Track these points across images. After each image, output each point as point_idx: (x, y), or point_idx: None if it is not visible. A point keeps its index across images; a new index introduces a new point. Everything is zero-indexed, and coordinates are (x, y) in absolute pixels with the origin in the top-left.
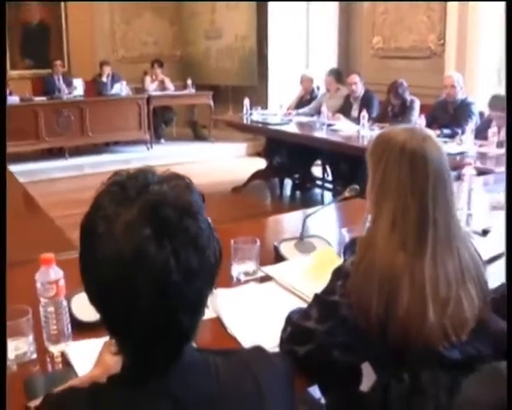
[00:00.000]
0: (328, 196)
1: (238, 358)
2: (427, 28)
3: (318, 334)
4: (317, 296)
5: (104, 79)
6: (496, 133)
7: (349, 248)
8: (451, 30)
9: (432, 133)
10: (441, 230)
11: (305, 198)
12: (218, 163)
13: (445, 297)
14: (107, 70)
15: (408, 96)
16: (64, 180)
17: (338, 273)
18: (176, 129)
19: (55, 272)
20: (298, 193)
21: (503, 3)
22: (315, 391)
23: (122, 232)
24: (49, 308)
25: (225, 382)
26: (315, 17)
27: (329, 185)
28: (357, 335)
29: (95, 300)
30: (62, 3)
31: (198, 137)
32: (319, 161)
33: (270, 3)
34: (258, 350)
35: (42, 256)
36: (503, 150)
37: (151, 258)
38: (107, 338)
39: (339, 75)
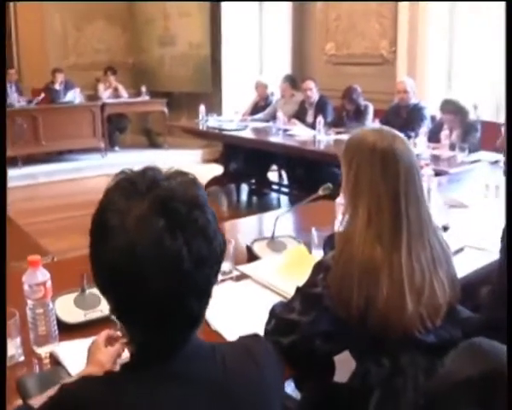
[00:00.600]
0: (284, 200)
1: (241, 345)
2: (379, 35)
3: (302, 325)
4: (299, 290)
5: (57, 86)
6: (448, 136)
7: (328, 243)
8: (402, 37)
9: (400, 134)
10: (414, 223)
11: (261, 203)
12: None
13: (420, 286)
14: (60, 77)
15: (362, 102)
16: (17, 189)
17: (319, 267)
18: (130, 136)
19: (43, 274)
20: (254, 198)
21: (449, 12)
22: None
23: (135, 225)
24: (37, 310)
25: (231, 368)
26: (268, 24)
27: (286, 190)
28: (338, 324)
29: (107, 290)
30: (12, 9)
31: (152, 144)
32: (275, 166)
33: (223, 9)
34: (257, 338)
35: (29, 259)
36: (455, 152)
37: (166, 248)
38: (94, 337)
39: (293, 81)
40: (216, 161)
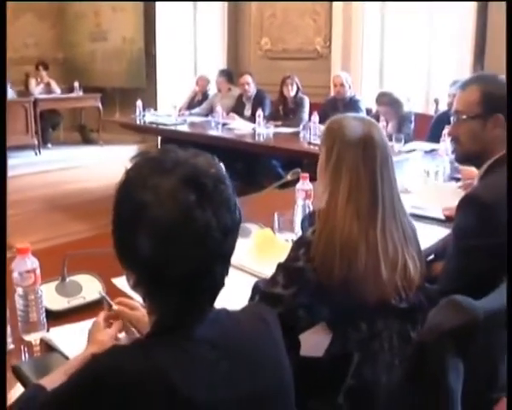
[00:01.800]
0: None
1: (249, 310)
2: (314, 31)
3: (285, 298)
4: (281, 265)
5: None
6: (385, 127)
7: (307, 219)
8: (337, 33)
9: (375, 121)
10: (388, 204)
11: None
12: (108, 166)
13: (394, 259)
14: None
15: (299, 93)
16: None
17: (300, 243)
18: (63, 133)
19: (32, 262)
20: None
21: (381, 8)
22: None
23: (169, 199)
24: (29, 296)
25: (247, 329)
26: (203, 18)
27: (290, 178)
28: (319, 296)
29: (137, 263)
30: None
31: (86, 140)
32: None
33: (157, 5)
34: (260, 304)
35: (18, 246)
36: (391, 143)
37: (197, 220)
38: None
39: (230, 76)
40: None
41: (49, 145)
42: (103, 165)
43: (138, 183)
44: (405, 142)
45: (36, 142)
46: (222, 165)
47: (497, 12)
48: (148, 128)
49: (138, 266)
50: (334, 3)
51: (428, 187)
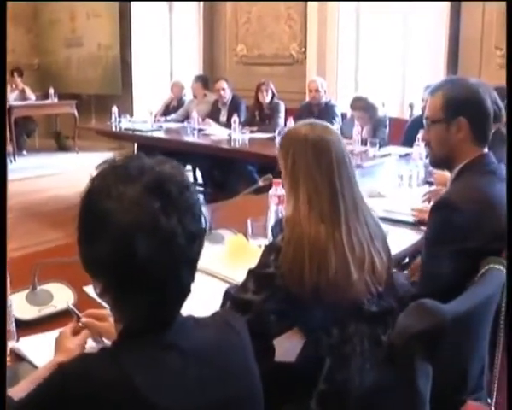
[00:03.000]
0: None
1: (218, 317)
2: (289, 37)
3: (256, 304)
4: (251, 271)
5: None
6: (359, 132)
7: (276, 226)
8: (312, 39)
9: (328, 124)
10: (349, 203)
11: None
12: (84, 173)
13: (361, 256)
14: None
15: (275, 98)
16: None
17: (270, 249)
18: (38, 140)
19: None
20: None
21: (355, 14)
22: None
23: (133, 207)
24: None
25: (216, 336)
26: (178, 26)
27: (201, 189)
28: (290, 302)
29: (104, 272)
30: None
31: (62, 147)
32: (190, 166)
33: (132, 12)
34: (230, 311)
35: None
36: (366, 147)
37: (162, 227)
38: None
39: (205, 81)
40: None
41: (25, 152)
42: (79, 172)
43: (103, 191)
44: (380, 146)
45: (10, 149)
46: (199, 172)
47: (470, 13)
48: (123, 135)
49: (104, 274)
50: (309, 9)
51: (401, 191)
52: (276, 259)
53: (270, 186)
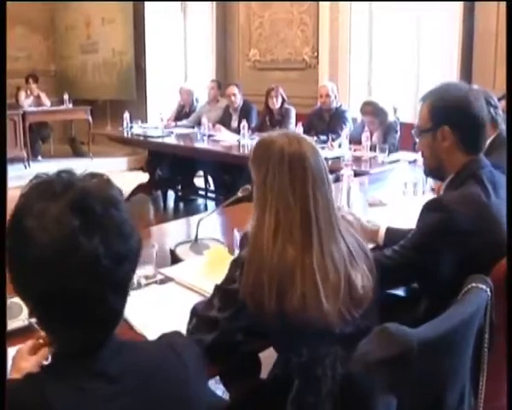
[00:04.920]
0: (211, 205)
1: (163, 340)
2: (302, 42)
3: (221, 321)
4: (217, 287)
5: None
6: (368, 137)
7: (243, 241)
8: (324, 43)
9: (304, 135)
10: (323, 223)
11: (188, 209)
12: None
13: (336, 283)
14: None
15: (285, 104)
16: None
17: (236, 264)
18: (53, 146)
19: None
20: (181, 204)
21: (368, 19)
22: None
23: (52, 225)
24: None
25: (155, 360)
26: (192, 32)
27: (212, 195)
28: (256, 319)
29: (28, 292)
30: None
31: (76, 153)
32: (201, 172)
33: (146, 17)
34: (178, 333)
35: None
36: (375, 153)
37: (82, 247)
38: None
39: (220, 86)
40: (142, 168)
41: (40, 158)
42: None
43: (26, 208)
44: (390, 152)
45: (25, 155)
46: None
47: (484, 12)
48: (134, 140)
49: (29, 295)
50: (321, 12)
51: (405, 199)
52: (242, 274)
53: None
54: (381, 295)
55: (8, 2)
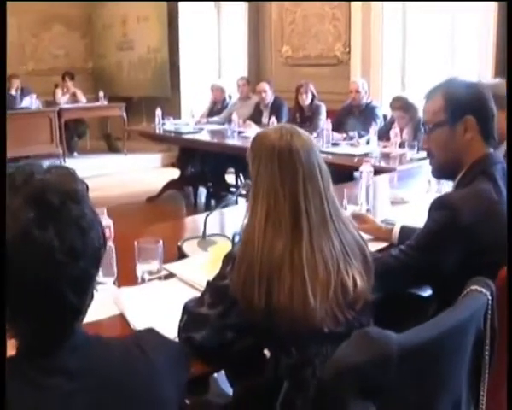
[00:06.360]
0: (241, 202)
1: (130, 338)
2: (334, 37)
3: (211, 318)
4: (208, 283)
5: (13, 92)
6: (397, 134)
7: (239, 234)
8: (356, 39)
9: (300, 129)
10: (314, 218)
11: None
12: (132, 175)
13: (325, 280)
14: (16, 83)
15: (315, 100)
16: None
17: (227, 259)
18: (89, 142)
19: None
20: (213, 201)
21: (401, 13)
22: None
23: (9, 217)
24: None
25: (119, 358)
26: (225, 28)
27: (243, 191)
28: (246, 318)
29: None
30: None
31: (112, 149)
32: (232, 169)
33: (180, 14)
34: (149, 331)
35: None
36: (404, 150)
37: (35, 239)
38: None
39: (249, 82)
40: (174, 164)
41: (75, 154)
42: (127, 174)
43: None
44: (420, 149)
45: (60, 151)
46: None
47: None
48: (166, 137)
49: None
50: (353, 8)
51: (428, 197)
52: (233, 269)
53: None
54: (393, 295)
55: (47, 3)
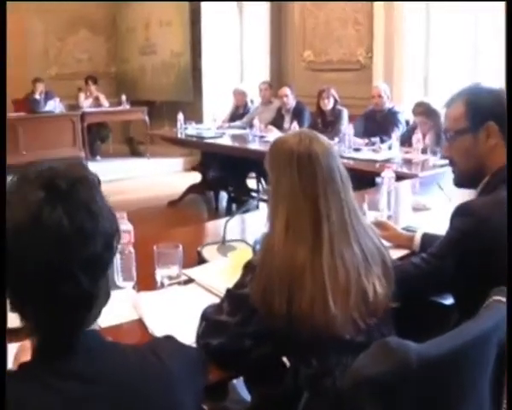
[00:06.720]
0: (263, 207)
1: (147, 345)
2: (356, 42)
3: (230, 326)
4: (228, 291)
5: (37, 96)
6: (420, 140)
7: (259, 242)
8: (378, 43)
9: (319, 135)
10: (335, 224)
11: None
12: (154, 179)
13: (346, 287)
14: (40, 87)
15: (337, 105)
16: None
17: (248, 268)
18: (112, 145)
19: None
20: (234, 205)
21: (425, 18)
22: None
23: (18, 201)
24: None
25: (134, 364)
26: (248, 32)
27: (264, 196)
28: (266, 325)
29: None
30: None
31: (134, 153)
32: (254, 174)
33: (203, 19)
34: (166, 338)
35: None
36: (426, 156)
37: (45, 218)
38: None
39: (272, 87)
40: (195, 168)
41: (98, 158)
42: (149, 177)
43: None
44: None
45: (83, 154)
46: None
47: None
48: (187, 141)
49: (8, 281)
50: (376, 11)
51: (450, 205)
52: (253, 278)
53: None
54: (415, 304)
55: (73, 6)
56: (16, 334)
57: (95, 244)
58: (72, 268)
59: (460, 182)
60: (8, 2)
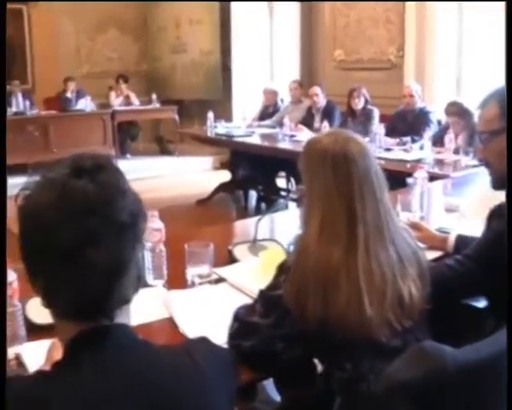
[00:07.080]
0: (293, 206)
1: (181, 346)
2: (387, 41)
3: (262, 328)
4: (261, 292)
5: (69, 94)
6: (452, 140)
7: (293, 243)
8: (410, 42)
9: (355, 134)
10: (371, 225)
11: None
12: (183, 177)
13: (381, 288)
14: (72, 86)
15: (368, 104)
16: None
17: (281, 269)
18: (142, 144)
19: (9, 275)
20: (263, 205)
21: (457, 17)
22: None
23: (47, 184)
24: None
25: (166, 364)
26: (278, 32)
27: (294, 196)
28: (299, 327)
29: (31, 257)
30: (26, 22)
31: (164, 151)
32: (283, 173)
33: (232, 17)
34: (200, 339)
35: None
36: (459, 156)
37: (70, 184)
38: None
39: (302, 86)
40: (222, 166)
41: (128, 156)
42: (178, 176)
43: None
44: (475, 155)
45: (113, 152)
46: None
47: None
48: (217, 140)
49: (32, 261)
50: (407, 10)
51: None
52: (287, 279)
53: None
54: (449, 306)
55: (103, 6)
56: (48, 331)
57: (121, 214)
58: (98, 232)
59: (497, 184)
60: (40, 4)
